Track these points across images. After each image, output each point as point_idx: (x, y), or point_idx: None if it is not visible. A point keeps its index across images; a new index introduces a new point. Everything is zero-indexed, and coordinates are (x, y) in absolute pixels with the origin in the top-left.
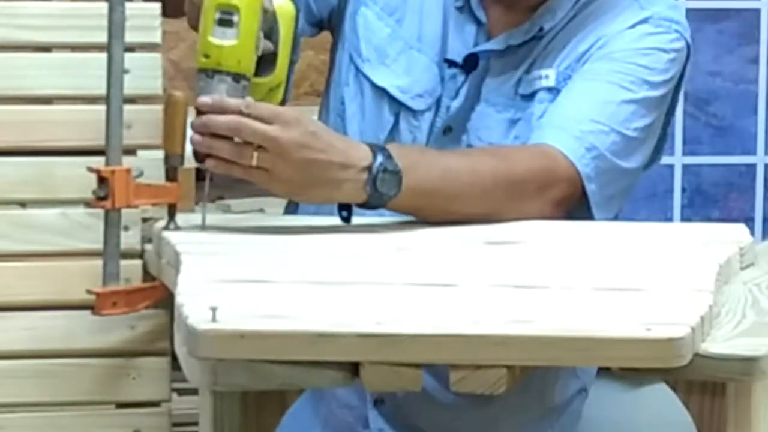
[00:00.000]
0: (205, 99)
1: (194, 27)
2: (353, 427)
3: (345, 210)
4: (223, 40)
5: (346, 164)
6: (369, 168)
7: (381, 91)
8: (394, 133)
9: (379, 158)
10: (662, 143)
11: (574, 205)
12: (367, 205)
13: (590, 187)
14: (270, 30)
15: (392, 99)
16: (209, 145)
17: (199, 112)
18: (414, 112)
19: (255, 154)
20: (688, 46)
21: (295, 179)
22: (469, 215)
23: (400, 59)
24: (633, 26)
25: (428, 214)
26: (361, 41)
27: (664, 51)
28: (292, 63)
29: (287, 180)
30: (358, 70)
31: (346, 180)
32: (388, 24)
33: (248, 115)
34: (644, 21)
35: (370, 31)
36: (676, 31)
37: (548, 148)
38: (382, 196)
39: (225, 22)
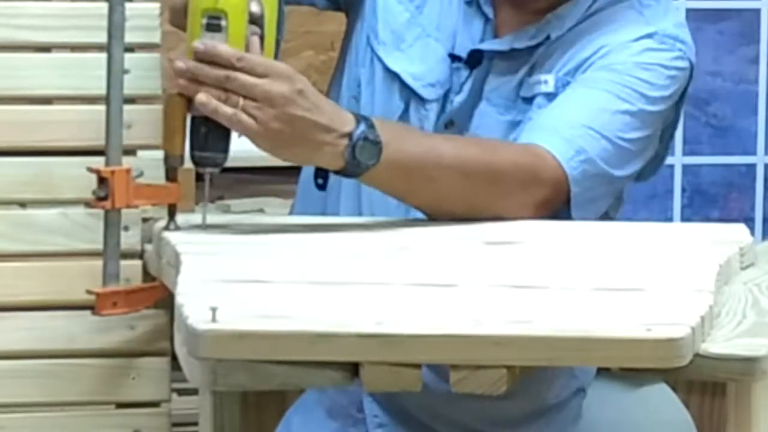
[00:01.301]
0: (197, 45)
1: (177, 26)
2: (347, 410)
3: (321, 177)
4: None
5: (328, 127)
6: (350, 134)
7: (393, 76)
8: (403, 120)
9: (362, 127)
10: (663, 156)
11: (558, 208)
12: (345, 173)
13: (574, 190)
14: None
15: (403, 85)
16: (195, 89)
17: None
18: (423, 101)
19: (241, 100)
20: (692, 66)
21: (279, 133)
22: (447, 201)
23: (416, 45)
24: (637, 40)
25: (406, 194)
26: (379, 23)
27: (665, 67)
28: (277, 42)
29: (272, 132)
30: (373, 52)
31: (326, 143)
32: (408, 9)
33: (240, 69)
34: (649, 36)
35: (389, 14)
36: (680, 49)
37: (537, 147)
38: (359, 165)
39: (213, 27)
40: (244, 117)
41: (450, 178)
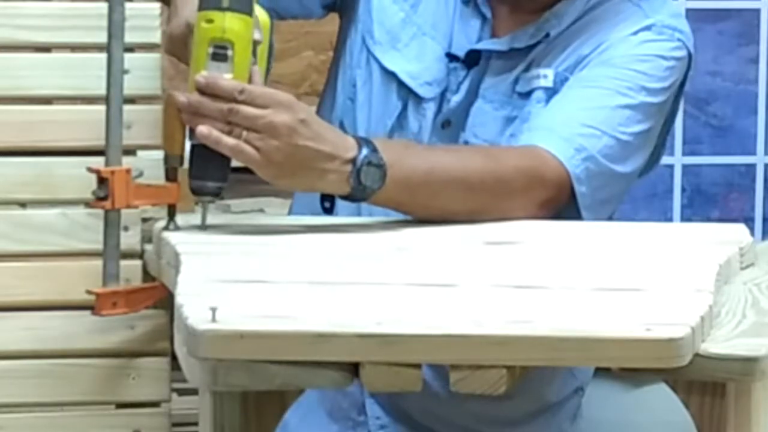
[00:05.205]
0: (198, 79)
1: (173, 55)
2: (348, 413)
3: (328, 201)
4: (218, 74)
5: (332, 155)
6: (353, 160)
7: (390, 76)
8: (401, 120)
9: (364, 151)
10: (660, 150)
11: (563, 208)
12: (351, 198)
13: (580, 189)
14: None
15: (401, 84)
16: (199, 122)
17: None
18: (421, 100)
19: (244, 132)
20: (690, 56)
21: (282, 163)
22: (453, 212)
23: (412, 45)
24: (635, 33)
25: (412, 210)
26: (374, 23)
27: (664, 58)
28: (267, 72)
29: (275, 162)
30: (369, 52)
31: (331, 171)
32: (403, 8)
33: (242, 101)
34: (647, 28)
35: (384, 14)
36: (679, 39)
37: (537, 149)
38: (365, 189)
39: (219, 57)
40: (247, 148)
41: (455, 191)
